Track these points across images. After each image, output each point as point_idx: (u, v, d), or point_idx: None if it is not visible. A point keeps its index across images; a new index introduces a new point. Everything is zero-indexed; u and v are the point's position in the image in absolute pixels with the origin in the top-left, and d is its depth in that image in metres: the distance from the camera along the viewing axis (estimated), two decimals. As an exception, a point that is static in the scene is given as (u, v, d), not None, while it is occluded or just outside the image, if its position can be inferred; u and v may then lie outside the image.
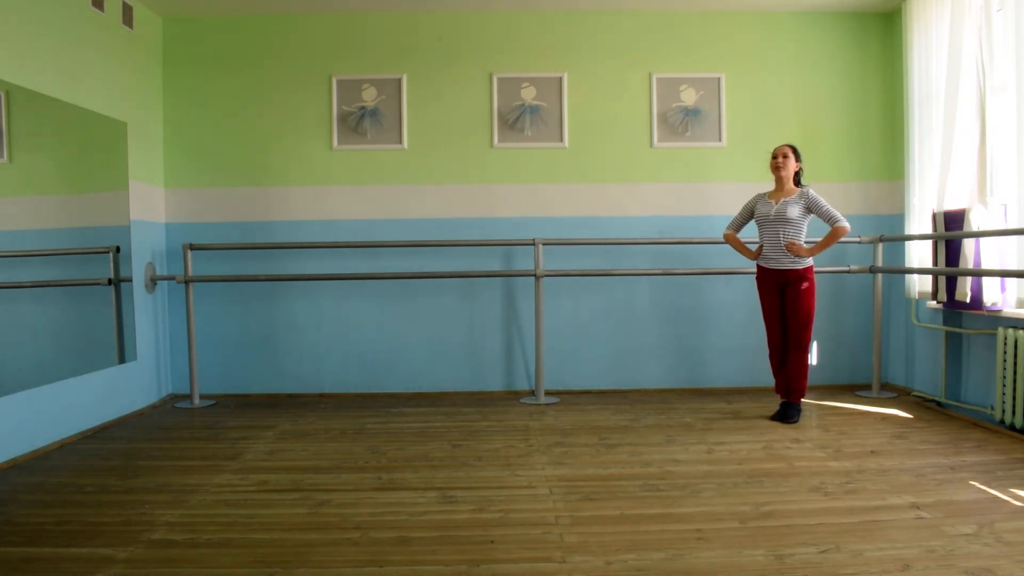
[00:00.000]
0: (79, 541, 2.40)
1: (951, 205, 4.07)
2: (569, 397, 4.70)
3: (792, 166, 3.88)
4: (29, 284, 3.63)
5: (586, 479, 2.99)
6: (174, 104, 4.81)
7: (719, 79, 4.84)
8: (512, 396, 4.76)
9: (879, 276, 4.62)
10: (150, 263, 4.58)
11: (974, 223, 3.84)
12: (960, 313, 4.17)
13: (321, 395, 4.83)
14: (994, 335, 3.79)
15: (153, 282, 4.60)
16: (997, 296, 3.80)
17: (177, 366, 4.82)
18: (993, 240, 3.79)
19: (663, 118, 4.85)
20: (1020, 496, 2.68)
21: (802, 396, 3.95)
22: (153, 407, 4.51)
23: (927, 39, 4.28)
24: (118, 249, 4.22)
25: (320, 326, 4.84)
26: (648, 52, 4.84)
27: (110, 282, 4.17)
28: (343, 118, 4.81)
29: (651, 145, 4.85)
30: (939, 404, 4.24)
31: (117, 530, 2.48)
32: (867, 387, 4.76)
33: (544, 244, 4.65)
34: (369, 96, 4.82)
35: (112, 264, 4.18)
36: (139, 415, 4.31)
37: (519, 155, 4.84)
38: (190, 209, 4.82)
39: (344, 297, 4.83)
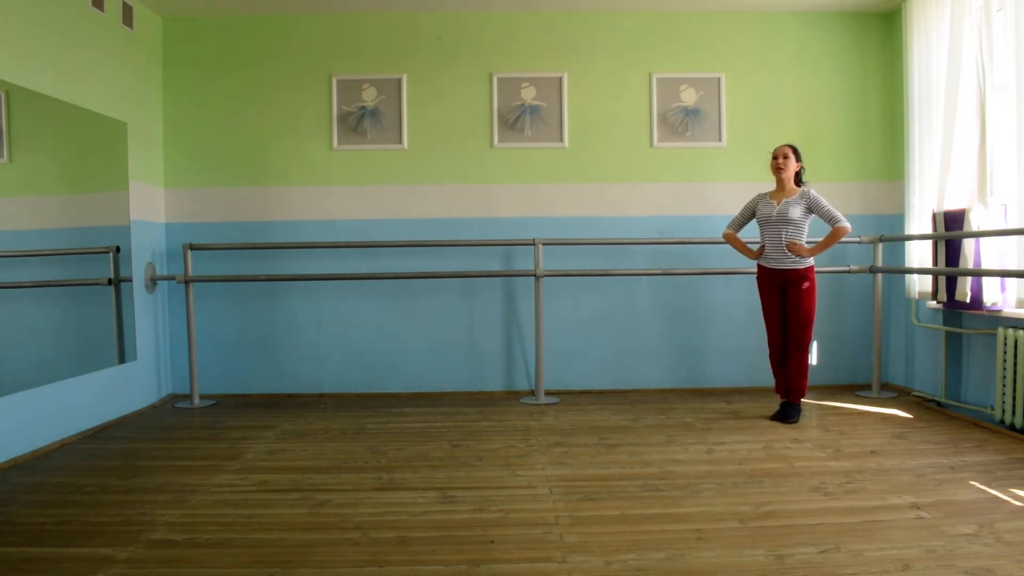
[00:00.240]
0: (79, 541, 2.40)
1: (951, 205, 4.07)
2: (569, 397, 4.70)
3: (792, 166, 3.88)
4: (29, 284, 3.63)
5: (586, 479, 2.99)
6: (174, 104, 4.81)
7: (719, 79, 4.84)
8: (512, 396, 4.76)
9: (879, 276, 4.62)
10: (150, 263, 4.58)
11: (974, 223, 3.84)
12: (960, 313, 4.17)
13: (321, 395, 4.83)
14: (994, 335, 3.79)
15: (153, 282, 4.60)
16: (997, 296, 3.80)
17: (177, 366, 4.82)
18: (993, 240, 3.79)
19: (663, 118, 4.85)
20: (1020, 496, 2.68)
21: (802, 396, 3.95)
22: (153, 407, 4.51)
23: (927, 39, 4.28)
24: (118, 249, 4.22)
25: (320, 326, 4.84)
26: (648, 52, 4.84)
27: (110, 282, 4.17)
28: (343, 118, 4.81)
29: (651, 145, 4.85)
30: (939, 404, 4.24)
31: (117, 530, 2.48)
32: (867, 387, 4.76)
33: (544, 244, 4.65)
34: (369, 96, 4.82)
35: (112, 264, 4.18)
36: (139, 415, 4.31)
37: (519, 155, 4.84)
38: (190, 209, 4.82)
39: (344, 297, 4.83)
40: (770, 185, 4.18)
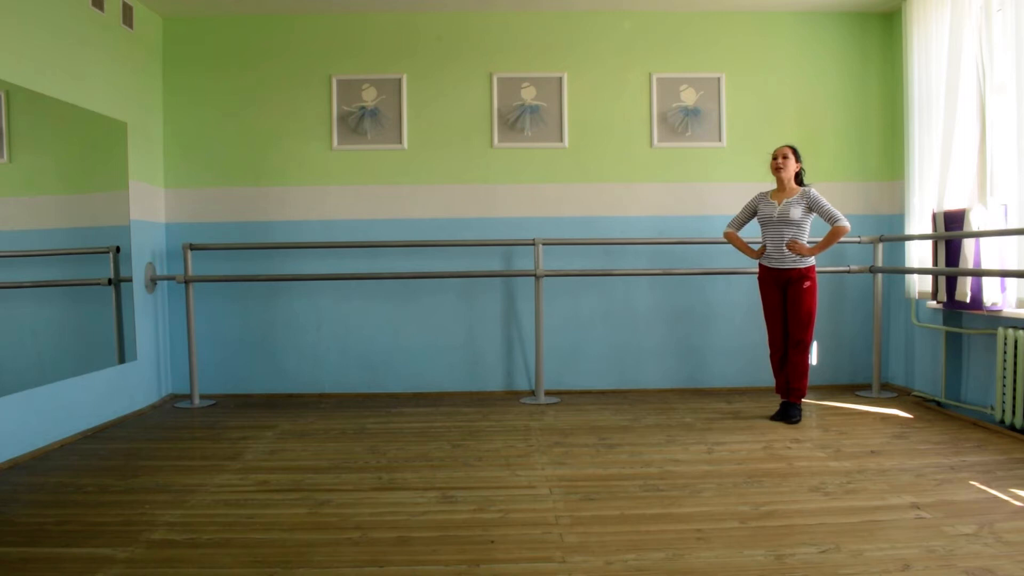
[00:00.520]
0: (79, 541, 2.40)
1: (951, 205, 4.07)
2: (569, 397, 4.70)
3: (792, 167, 3.88)
4: (29, 284, 3.63)
5: (586, 479, 2.99)
6: (174, 104, 4.81)
7: (719, 79, 4.84)
8: (512, 396, 4.76)
9: (879, 276, 4.62)
10: (150, 263, 4.58)
11: (974, 223, 3.84)
12: (960, 313, 4.17)
13: (321, 395, 4.83)
14: (994, 335, 3.79)
15: (153, 282, 4.60)
16: (997, 296, 3.80)
17: (177, 366, 4.82)
18: (993, 240, 3.79)
19: (663, 118, 4.85)
20: (1020, 496, 2.68)
21: (802, 396, 3.95)
22: (153, 407, 4.51)
23: (927, 39, 4.28)
24: (118, 249, 4.22)
25: (320, 326, 4.84)
26: (648, 52, 4.84)
27: (110, 282, 4.17)
28: (343, 118, 4.81)
29: (651, 145, 4.85)
30: (939, 404, 4.24)
31: (117, 530, 2.48)
32: (867, 387, 4.76)
33: (544, 244, 4.64)
34: (369, 96, 4.82)
35: (112, 264, 4.18)
36: (139, 415, 4.31)
37: (519, 155, 4.84)
38: (190, 209, 4.82)
39: (344, 297, 4.83)
40: (770, 185, 4.18)
